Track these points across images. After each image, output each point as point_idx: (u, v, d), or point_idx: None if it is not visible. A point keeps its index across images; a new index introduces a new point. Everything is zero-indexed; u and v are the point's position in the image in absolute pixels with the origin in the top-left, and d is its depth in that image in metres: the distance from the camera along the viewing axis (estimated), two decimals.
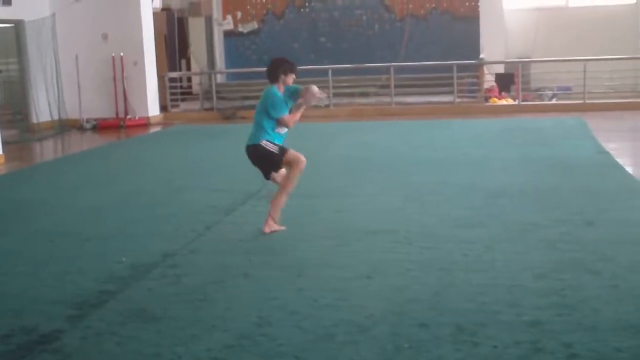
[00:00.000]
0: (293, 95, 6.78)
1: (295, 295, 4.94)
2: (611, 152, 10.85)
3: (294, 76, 6.82)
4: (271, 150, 6.65)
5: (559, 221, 6.77)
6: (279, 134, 6.72)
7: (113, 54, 18.00)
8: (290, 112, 6.73)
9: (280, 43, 22.51)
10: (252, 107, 20.15)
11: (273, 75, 6.74)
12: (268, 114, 6.64)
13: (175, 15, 22.09)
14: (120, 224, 7.35)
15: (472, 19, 21.27)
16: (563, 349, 3.90)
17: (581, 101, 18.17)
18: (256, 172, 9.75)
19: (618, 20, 21.23)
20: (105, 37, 18.09)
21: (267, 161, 6.71)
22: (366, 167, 10.10)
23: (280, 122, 6.65)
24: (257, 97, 23.02)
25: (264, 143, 6.64)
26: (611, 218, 6.86)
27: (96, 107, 18.13)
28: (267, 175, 6.89)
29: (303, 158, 6.63)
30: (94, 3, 17.97)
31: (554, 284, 4.98)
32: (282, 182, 6.75)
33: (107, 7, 17.95)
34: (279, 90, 6.72)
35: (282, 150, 6.67)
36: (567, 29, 21.30)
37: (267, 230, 6.68)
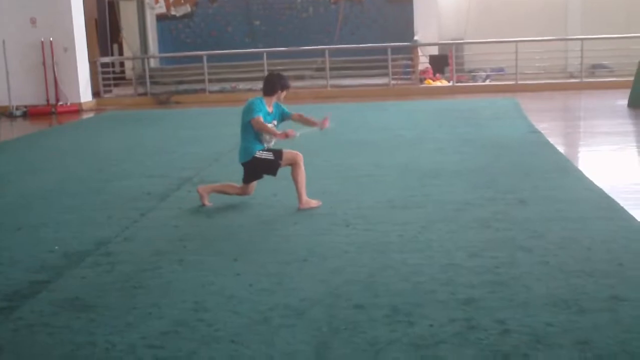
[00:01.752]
0: (283, 115, 6.94)
1: (231, 280, 4.91)
2: (542, 131, 11.05)
3: (285, 93, 6.93)
4: (267, 158, 6.78)
5: (492, 200, 6.87)
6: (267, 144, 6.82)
7: (42, 39, 17.64)
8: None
9: (214, 26, 22.42)
10: (187, 91, 20.36)
11: (270, 89, 6.82)
12: (248, 126, 6.74)
13: (106, 1, 21.74)
14: (52, 212, 7.21)
15: (406, 2, 21.44)
16: (496, 325, 3.97)
17: (513, 82, 18.54)
18: (191, 158, 9.84)
19: (548, 1, 21.61)
20: (33, 21, 17.69)
21: (267, 169, 6.85)
22: (301, 151, 10.00)
23: (252, 123, 6.66)
24: (192, 81, 22.90)
25: (258, 154, 6.76)
26: (542, 196, 6.98)
27: (26, 93, 17.77)
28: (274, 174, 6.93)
29: (299, 154, 6.82)
30: None
31: (488, 262, 5.06)
32: (294, 180, 6.83)
33: None
34: (266, 104, 6.80)
35: (278, 154, 6.79)
36: (498, 11, 21.62)
37: (302, 206, 6.78)
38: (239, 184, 7.19)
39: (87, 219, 6.87)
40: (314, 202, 6.89)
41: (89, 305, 4.53)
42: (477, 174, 8.15)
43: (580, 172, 8.20)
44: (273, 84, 6.83)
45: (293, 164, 6.82)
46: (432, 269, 4.98)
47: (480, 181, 7.75)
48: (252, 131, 6.76)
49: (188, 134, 12.56)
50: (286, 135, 6.73)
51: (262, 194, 7.48)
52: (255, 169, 6.89)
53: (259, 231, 6.20)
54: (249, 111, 6.75)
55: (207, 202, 7.13)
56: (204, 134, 12.42)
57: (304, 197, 6.86)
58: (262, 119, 6.67)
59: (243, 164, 6.94)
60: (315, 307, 4.35)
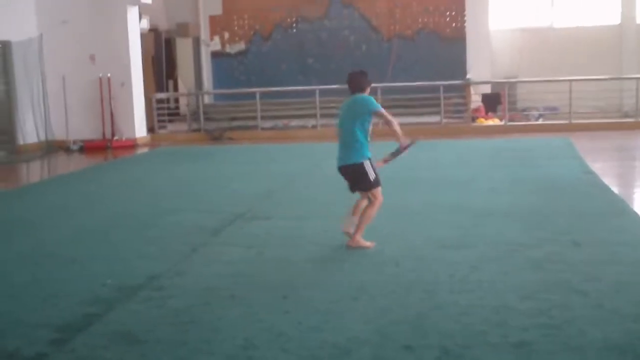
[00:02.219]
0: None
1: (281, 317, 4.90)
2: (597, 172, 10.89)
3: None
4: (369, 173, 6.66)
5: (545, 241, 6.77)
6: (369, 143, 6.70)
7: (100, 75, 18.01)
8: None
9: (267, 64, 22.58)
10: (240, 127, 20.52)
11: (358, 86, 6.79)
12: (360, 122, 6.64)
13: (163, 36, 22.13)
14: (106, 246, 7.30)
15: (458, 40, 21.46)
16: None
17: (567, 121, 18.31)
18: (243, 194, 9.91)
19: (602, 40, 21.42)
20: (92, 58, 18.10)
21: (360, 180, 6.70)
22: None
23: (380, 116, 6.62)
24: (245, 118, 23.17)
25: (366, 164, 6.65)
26: (597, 238, 6.86)
27: (83, 128, 18.11)
28: (353, 190, 6.89)
29: (382, 198, 6.77)
30: (81, 24, 17.97)
31: (541, 305, 4.97)
32: (364, 214, 6.74)
33: (94, 28, 17.95)
34: None
35: (377, 181, 6.72)
36: (552, 49, 21.50)
37: (352, 244, 6.71)
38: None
39: (139, 253, 6.93)
40: (366, 243, 6.77)
41: (140, 340, 4.56)
42: (530, 214, 8.05)
43: (636, 214, 8.03)
44: (360, 82, 6.81)
45: (373, 202, 6.73)
46: (483, 310, 4.90)
47: (534, 222, 7.65)
48: (364, 128, 6.64)
49: (240, 170, 12.64)
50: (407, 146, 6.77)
51: (312, 230, 7.50)
52: (352, 173, 6.70)
53: (308, 268, 6.19)
54: (367, 103, 6.64)
55: (367, 244, 6.74)
56: (255, 171, 12.48)
57: (359, 235, 6.77)
58: (385, 111, 6.62)
59: (343, 168, 6.70)
60: (363, 346, 4.31)
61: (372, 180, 6.69)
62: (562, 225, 7.47)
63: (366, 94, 6.82)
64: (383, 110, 6.66)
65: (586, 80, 18.95)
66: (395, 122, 6.68)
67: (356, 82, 6.82)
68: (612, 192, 9.37)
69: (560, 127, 18.07)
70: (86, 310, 5.20)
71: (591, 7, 22.09)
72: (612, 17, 21.91)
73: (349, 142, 6.68)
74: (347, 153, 6.70)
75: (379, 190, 6.77)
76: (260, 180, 11.35)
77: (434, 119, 18.99)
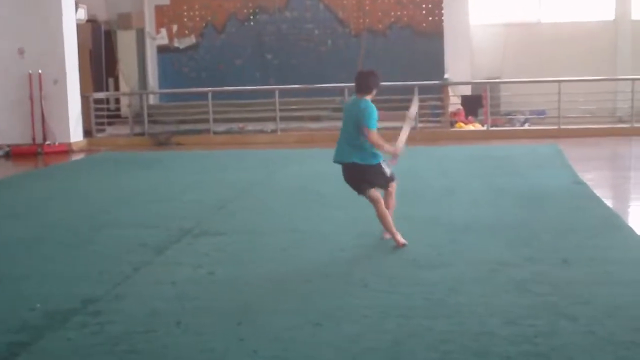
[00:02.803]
0: None
1: (234, 346, 4.87)
2: (588, 182, 10.99)
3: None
4: (386, 171, 7.46)
5: (530, 260, 6.81)
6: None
7: (30, 71, 17.79)
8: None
9: (221, 60, 22.52)
10: (190, 131, 20.40)
11: (365, 87, 7.31)
12: (359, 128, 7.18)
13: (102, 28, 21.98)
14: (35, 264, 7.21)
15: (435, 35, 21.62)
16: None
17: (555, 126, 18.48)
18: (192, 206, 9.94)
19: (595, 38, 21.66)
20: (21, 51, 17.88)
21: (377, 179, 7.39)
22: (317, 200, 10.11)
23: (366, 134, 7.13)
24: (195, 120, 23.10)
25: (383, 164, 7.40)
26: (588, 256, 6.91)
27: (10, 131, 17.89)
28: (362, 191, 7.43)
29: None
30: (9, 14, 17.74)
31: (526, 330, 4.99)
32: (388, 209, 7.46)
33: (24, 18, 17.73)
34: None
35: (392, 175, 7.56)
36: (539, 47, 21.71)
37: (387, 236, 7.48)
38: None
39: (74, 273, 6.84)
40: (402, 240, 7.36)
41: None
42: (515, 229, 8.11)
43: (630, 229, 8.11)
44: (368, 82, 7.30)
45: (391, 191, 7.54)
46: (462, 337, 4.92)
47: (518, 238, 7.70)
48: (360, 134, 7.17)
49: (190, 180, 12.62)
50: (395, 155, 7.45)
51: (270, 247, 7.50)
52: (365, 174, 7.29)
53: (265, 290, 6.16)
54: (362, 116, 7.14)
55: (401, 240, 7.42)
56: (207, 180, 12.47)
57: (397, 235, 7.39)
58: (376, 134, 7.18)
59: (351, 165, 7.29)
60: None
61: (388, 176, 7.44)
62: (549, 241, 7.52)
63: (371, 97, 7.33)
64: (370, 132, 7.12)
65: (577, 81, 19.08)
66: (384, 144, 7.29)
67: (362, 82, 7.31)
68: (605, 205, 9.44)
69: (547, 132, 18.26)
70: (11, 339, 5.12)
71: (583, 0, 22.37)
72: (605, 12, 22.22)
73: (357, 144, 7.24)
74: (357, 153, 7.27)
75: (394, 185, 7.56)
76: (211, 191, 11.35)
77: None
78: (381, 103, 19.07)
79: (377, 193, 7.41)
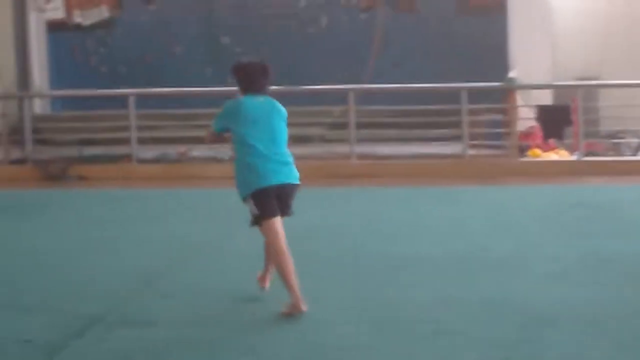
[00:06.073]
0: None
1: None
2: None
3: None
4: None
5: None
6: None
7: None
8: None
9: (150, 46, 22.20)
10: (100, 158, 19.84)
11: (266, 83, 8.75)
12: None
13: None
14: None
15: (494, 12, 21.09)
16: None
17: None
18: (104, 280, 10.07)
19: None
20: None
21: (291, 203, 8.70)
22: (309, 270, 9.50)
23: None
24: (108, 141, 22.58)
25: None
26: None
27: None
28: (286, 213, 8.67)
29: None
30: None
31: None
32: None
33: None
34: None
35: None
36: None
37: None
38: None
39: None
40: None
41: None
42: (626, 322, 7.90)
43: None
44: (268, 78, 8.75)
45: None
46: None
47: (631, 335, 7.54)
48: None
49: (98, 236, 12.40)
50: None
51: (216, 346, 7.58)
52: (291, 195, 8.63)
53: None
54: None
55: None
56: (126, 238, 12.38)
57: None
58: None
59: (286, 186, 8.53)
60: None
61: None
62: None
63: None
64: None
65: None
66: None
67: (263, 77, 8.79)
68: None
69: None
70: None
71: None
72: None
73: (286, 154, 8.62)
74: (289, 169, 8.62)
75: None
76: (133, 256, 11.17)
77: (452, 149, 18.76)
78: (413, 116, 18.88)
79: None
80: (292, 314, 8.19)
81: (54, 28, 22.32)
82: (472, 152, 18.40)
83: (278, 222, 8.40)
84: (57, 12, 22.28)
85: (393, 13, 21.51)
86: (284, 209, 8.49)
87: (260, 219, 8.35)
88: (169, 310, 8.64)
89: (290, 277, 8.27)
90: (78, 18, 22.32)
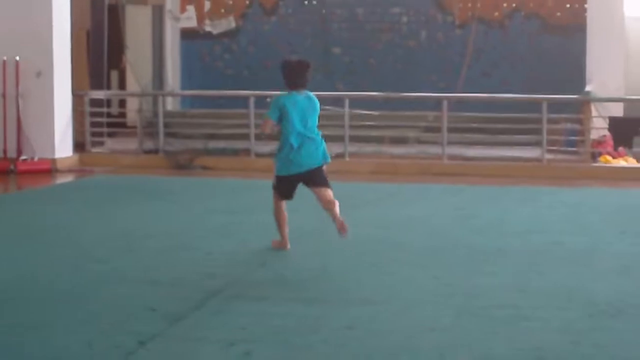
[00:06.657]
0: None
1: None
2: None
3: None
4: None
5: None
6: None
7: (4, 58, 17.91)
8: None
9: (270, 52, 22.46)
10: (223, 151, 20.32)
11: (305, 81, 10.52)
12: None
13: (106, 2, 21.86)
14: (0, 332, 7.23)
15: (574, 30, 21.52)
16: None
17: None
18: (222, 258, 10.11)
19: None
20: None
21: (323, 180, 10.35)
22: (399, 259, 10.08)
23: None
24: (230, 137, 22.65)
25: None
26: None
27: None
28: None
29: None
30: None
31: None
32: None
33: None
34: None
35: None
36: None
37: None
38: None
39: (54, 346, 6.83)
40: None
41: None
42: None
43: None
44: (306, 76, 10.48)
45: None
46: None
47: None
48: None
49: (219, 221, 12.66)
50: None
51: (331, 325, 7.49)
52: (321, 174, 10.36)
53: None
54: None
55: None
56: (244, 222, 12.56)
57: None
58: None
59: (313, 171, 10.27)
60: None
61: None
62: None
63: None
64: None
65: None
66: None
67: (301, 76, 10.48)
68: None
69: None
70: None
71: None
72: None
73: (316, 140, 10.51)
74: (322, 151, 10.49)
75: None
76: (249, 239, 11.37)
77: (532, 153, 19.10)
78: (499, 123, 19.25)
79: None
80: (279, 248, 10.45)
81: (187, 36, 22.91)
82: (549, 156, 18.76)
83: (284, 203, 10.38)
84: (190, 21, 22.80)
85: (484, 29, 21.91)
86: (317, 182, 10.22)
87: (275, 190, 10.34)
88: (280, 287, 8.85)
89: (283, 226, 10.40)
90: (208, 27, 22.78)
